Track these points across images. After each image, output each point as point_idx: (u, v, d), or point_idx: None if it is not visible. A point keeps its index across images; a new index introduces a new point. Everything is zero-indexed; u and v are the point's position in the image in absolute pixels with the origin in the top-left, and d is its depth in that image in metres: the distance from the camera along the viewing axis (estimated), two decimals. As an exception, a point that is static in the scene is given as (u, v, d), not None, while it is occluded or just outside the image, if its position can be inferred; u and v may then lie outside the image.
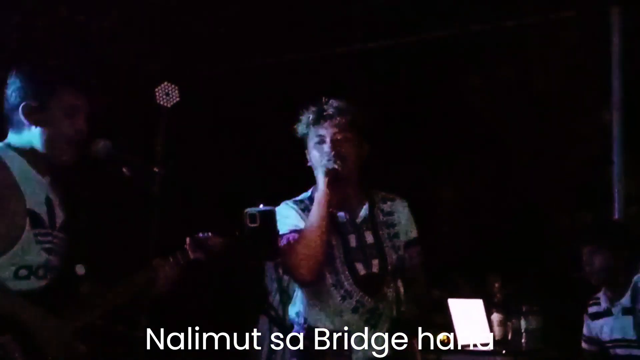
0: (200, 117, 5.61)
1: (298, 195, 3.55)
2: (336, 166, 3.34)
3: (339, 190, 3.40)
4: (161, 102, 4.96)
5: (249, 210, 3.04)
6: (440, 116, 7.32)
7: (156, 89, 4.96)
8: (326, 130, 3.40)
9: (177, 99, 4.96)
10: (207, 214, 3.49)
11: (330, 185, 3.33)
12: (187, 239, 3.38)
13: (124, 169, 3.11)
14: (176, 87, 4.96)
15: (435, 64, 7.11)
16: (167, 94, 4.97)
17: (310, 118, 3.44)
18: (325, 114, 3.42)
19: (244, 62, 6.32)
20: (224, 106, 5.91)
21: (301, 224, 3.37)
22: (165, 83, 4.95)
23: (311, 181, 3.49)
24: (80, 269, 3.08)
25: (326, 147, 3.39)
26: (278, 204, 3.43)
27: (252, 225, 3.01)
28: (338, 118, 3.41)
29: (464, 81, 7.50)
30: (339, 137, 3.39)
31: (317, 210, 3.32)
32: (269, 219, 3.03)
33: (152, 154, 4.79)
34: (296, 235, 3.34)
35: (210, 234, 3.36)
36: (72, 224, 3.10)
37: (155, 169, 3.17)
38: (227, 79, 6.25)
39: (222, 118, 5.90)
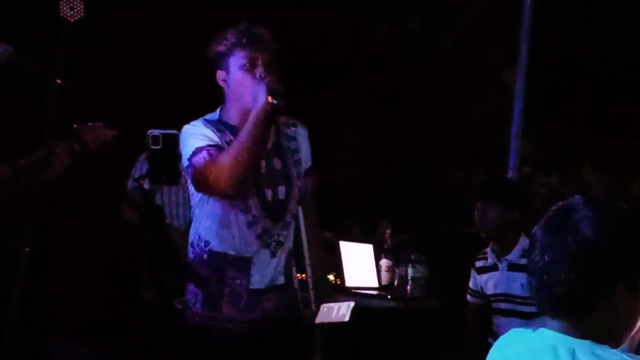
0: (105, 35, 5.45)
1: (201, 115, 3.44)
2: (279, 88, 3.26)
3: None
4: (65, 16, 4.80)
5: (152, 132, 2.97)
6: (348, 62, 7.31)
7: (61, 2, 4.79)
8: (260, 54, 3.31)
9: (82, 14, 4.81)
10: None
11: (270, 104, 3.24)
12: (75, 126, 3.37)
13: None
14: (82, 2, 4.80)
15: (346, 12, 7.09)
16: (71, 8, 4.81)
17: (240, 38, 3.33)
18: (258, 37, 3.34)
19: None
20: (130, 25, 5.75)
21: (218, 141, 3.30)
22: (72, -4, 4.79)
23: (217, 102, 3.41)
24: None
25: (260, 70, 3.30)
26: (180, 126, 3.35)
27: (154, 147, 2.94)
28: (271, 45, 3.35)
29: (373, 31, 7.49)
30: (271, 65, 3.32)
31: (254, 123, 3.22)
32: (172, 142, 2.97)
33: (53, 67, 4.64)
34: (216, 149, 3.25)
35: (101, 123, 3.32)
36: None
37: (58, 81, 3.08)
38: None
39: (127, 38, 5.74)
